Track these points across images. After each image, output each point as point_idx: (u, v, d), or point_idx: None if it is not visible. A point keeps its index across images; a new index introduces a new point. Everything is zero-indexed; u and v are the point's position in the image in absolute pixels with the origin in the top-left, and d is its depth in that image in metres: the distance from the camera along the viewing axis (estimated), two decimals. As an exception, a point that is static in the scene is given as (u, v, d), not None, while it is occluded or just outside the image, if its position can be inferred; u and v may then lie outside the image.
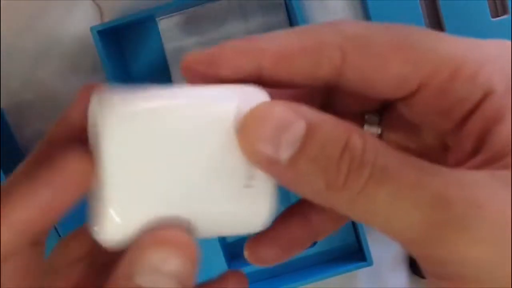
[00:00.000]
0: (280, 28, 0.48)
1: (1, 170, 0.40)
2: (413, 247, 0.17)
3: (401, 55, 0.18)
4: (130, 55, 0.49)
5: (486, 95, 0.17)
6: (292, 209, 0.24)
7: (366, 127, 0.23)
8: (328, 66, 0.19)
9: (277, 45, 0.19)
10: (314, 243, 0.49)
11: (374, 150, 0.17)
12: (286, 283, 0.46)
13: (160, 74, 0.48)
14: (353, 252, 0.49)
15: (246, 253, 0.22)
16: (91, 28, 0.42)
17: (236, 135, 0.18)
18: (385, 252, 0.51)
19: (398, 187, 0.16)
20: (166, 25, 0.48)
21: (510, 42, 0.19)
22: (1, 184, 0.18)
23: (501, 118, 0.17)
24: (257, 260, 0.22)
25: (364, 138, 0.17)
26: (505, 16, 0.46)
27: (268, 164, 0.17)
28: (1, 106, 0.49)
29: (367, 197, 0.16)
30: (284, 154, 0.17)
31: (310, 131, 0.17)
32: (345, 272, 0.46)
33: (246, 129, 0.17)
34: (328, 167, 0.16)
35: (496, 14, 0.46)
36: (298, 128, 0.17)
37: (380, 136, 0.23)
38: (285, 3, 0.47)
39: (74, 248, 0.21)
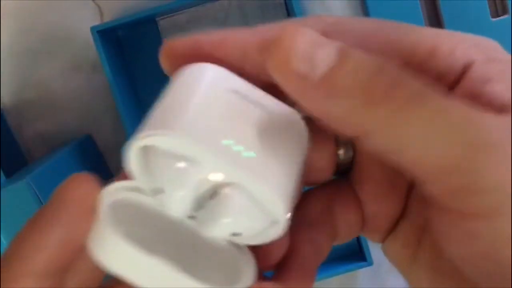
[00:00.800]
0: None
1: (1, 170, 0.40)
2: (445, 177, 0.16)
3: (381, 37, 0.18)
4: (130, 55, 0.49)
5: (467, 66, 0.17)
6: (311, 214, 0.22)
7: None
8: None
9: (258, 35, 0.19)
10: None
11: (410, 74, 0.16)
12: (286, 283, 0.46)
13: (160, 74, 0.48)
14: (353, 252, 0.49)
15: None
16: (91, 28, 0.42)
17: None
18: (385, 252, 0.51)
19: (436, 110, 0.15)
20: (166, 25, 0.48)
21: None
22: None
23: (489, 80, 0.17)
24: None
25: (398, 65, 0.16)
26: (505, 16, 0.46)
27: (300, 82, 0.16)
28: (1, 106, 0.49)
29: (404, 116, 0.16)
30: (319, 69, 0.16)
31: (344, 51, 0.16)
32: (345, 272, 0.46)
33: (278, 45, 0.17)
34: (366, 82, 0.16)
35: (496, 14, 0.46)
36: (332, 47, 0.16)
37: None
38: (285, 3, 0.47)
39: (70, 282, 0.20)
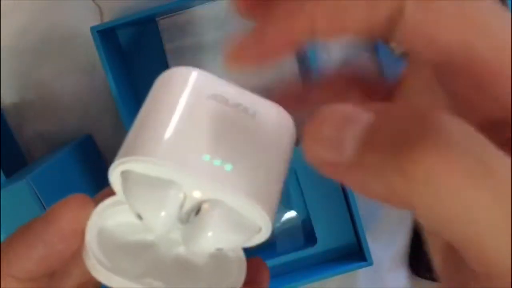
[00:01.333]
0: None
1: (1, 170, 0.40)
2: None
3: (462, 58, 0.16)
4: (130, 55, 0.49)
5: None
6: None
7: None
8: (385, 12, 0.16)
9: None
10: (314, 242, 0.49)
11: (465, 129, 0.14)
12: (286, 283, 0.46)
13: (160, 74, 0.48)
14: (353, 252, 0.49)
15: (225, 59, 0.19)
16: (91, 28, 0.42)
17: None
18: (385, 252, 0.51)
19: (482, 175, 0.13)
20: (166, 25, 0.48)
21: None
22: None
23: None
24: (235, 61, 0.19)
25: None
26: (505, 16, 0.46)
27: (333, 169, 0.15)
28: (1, 106, 0.49)
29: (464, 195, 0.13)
30: (347, 153, 0.15)
31: (374, 124, 0.15)
32: (345, 272, 0.46)
33: (309, 134, 0.15)
34: (401, 157, 0.14)
35: (496, 14, 0.46)
36: (361, 122, 0.15)
37: None
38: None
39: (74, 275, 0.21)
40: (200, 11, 0.47)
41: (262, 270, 0.21)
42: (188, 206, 0.18)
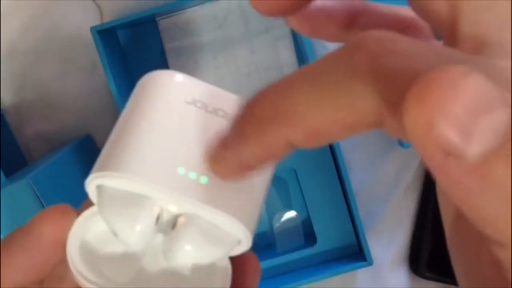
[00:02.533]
0: (280, 29, 0.48)
1: (1, 170, 0.40)
2: None
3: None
4: (130, 55, 0.49)
5: None
6: None
7: None
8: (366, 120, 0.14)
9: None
10: (314, 242, 0.49)
11: None
12: (286, 283, 0.46)
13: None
14: (353, 252, 0.49)
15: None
16: (91, 28, 0.42)
17: None
18: (385, 252, 0.51)
19: None
20: (166, 25, 0.48)
21: None
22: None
23: None
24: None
25: None
26: (505, 16, 0.46)
27: (444, 158, 0.11)
28: (1, 106, 0.49)
29: None
30: (475, 147, 0.11)
31: None
32: (345, 272, 0.46)
33: (426, 97, 0.11)
34: None
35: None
36: (502, 114, 0.11)
37: None
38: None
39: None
40: (200, 11, 0.47)
41: (250, 273, 0.20)
42: (165, 218, 0.18)
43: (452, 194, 0.12)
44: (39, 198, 0.36)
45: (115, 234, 0.18)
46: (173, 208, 0.18)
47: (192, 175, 0.17)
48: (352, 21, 0.19)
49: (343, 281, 0.51)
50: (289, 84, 0.14)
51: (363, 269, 0.47)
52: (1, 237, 0.36)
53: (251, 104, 0.15)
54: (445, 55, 0.13)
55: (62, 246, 0.19)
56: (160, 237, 0.19)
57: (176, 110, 0.18)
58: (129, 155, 0.17)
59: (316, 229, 0.49)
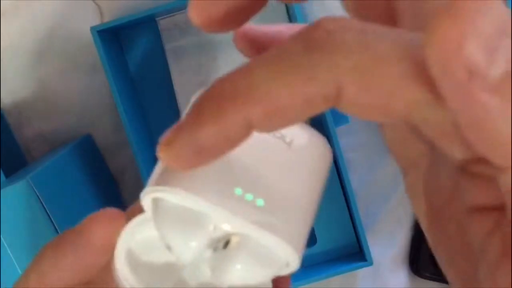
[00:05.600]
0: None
1: (1, 170, 0.40)
2: None
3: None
4: (130, 55, 0.49)
5: None
6: None
7: None
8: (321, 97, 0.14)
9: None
10: (314, 242, 0.49)
11: None
12: (286, 283, 0.46)
13: (160, 74, 0.48)
14: (353, 252, 0.49)
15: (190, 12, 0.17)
16: (91, 28, 0.42)
17: None
18: (385, 252, 0.51)
19: None
20: (166, 25, 0.48)
21: None
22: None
23: None
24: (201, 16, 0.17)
25: None
26: (505, 16, 0.46)
27: (465, 77, 0.11)
28: (1, 106, 0.49)
29: None
30: (499, 67, 0.11)
31: None
32: (345, 272, 0.46)
33: (458, 16, 0.11)
34: None
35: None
36: None
37: None
38: (285, 3, 0.47)
39: None
40: (200, 11, 0.47)
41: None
42: (217, 235, 0.18)
43: (466, 116, 0.12)
44: (39, 198, 0.36)
45: (168, 248, 0.18)
46: (226, 227, 0.18)
47: (249, 196, 0.17)
48: None
49: (343, 281, 0.51)
50: (250, 64, 0.14)
51: (363, 269, 0.47)
52: (1, 237, 0.36)
53: (211, 86, 0.14)
54: (396, 32, 0.13)
55: (110, 250, 0.19)
56: (208, 252, 0.19)
57: None
58: (190, 172, 0.17)
59: (316, 229, 0.49)
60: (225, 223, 0.18)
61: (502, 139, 0.11)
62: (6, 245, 0.36)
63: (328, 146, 0.19)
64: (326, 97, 0.13)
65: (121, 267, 0.19)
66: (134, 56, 0.49)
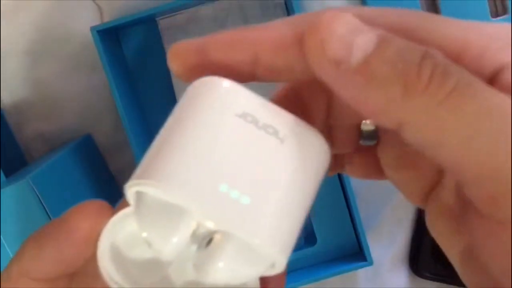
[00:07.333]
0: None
1: (1, 170, 0.40)
2: (486, 181, 0.14)
3: (408, 33, 0.17)
4: (130, 55, 0.49)
5: (497, 71, 0.16)
6: None
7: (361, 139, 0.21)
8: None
9: (273, 34, 0.18)
10: (314, 242, 0.49)
11: (456, 65, 0.15)
12: (286, 283, 0.46)
13: (160, 74, 0.48)
14: (353, 252, 0.49)
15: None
16: (91, 28, 0.42)
17: None
18: (385, 252, 0.51)
19: (487, 105, 0.14)
20: (166, 25, 0.48)
21: (510, 25, 0.17)
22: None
23: None
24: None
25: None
26: (505, 16, 0.46)
27: (335, 68, 0.16)
28: (1, 106, 0.49)
29: (450, 108, 0.14)
30: (356, 56, 0.15)
31: (384, 38, 0.16)
32: (345, 272, 0.46)
33: (315, 28, 0.16)
34: (407, 70, 0.15)
35: (496, 14, 0.46)
36: (372, 34, 0.16)
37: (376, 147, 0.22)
38: (285, 3, 0.47)
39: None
40: (200, 11, 0.47)
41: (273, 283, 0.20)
42: (201, 232, 0.18)
43: (344, 95, 0.16)
44: (39, 198, 0.36)
45: (149, 243, 0.18)
46: (210, 224, 0.17)
47: (234, 193, 0.16)
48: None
49: (343, 281, 0.51)
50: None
51: (363, 269, 0.47)
52: (1, 236, 0.36)
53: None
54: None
55: (94, 242, 0.18)
56: (193, 248, 0.18)
57: (225, 123, 0.17)
58: (174, 166, 0.16)
59: (316, 229, 0.49)
60: (208, 220, 0.17)
61: (374, 104, 0.16)
62: (6, 245, 0.36)
63: (326, 144, 0.18)
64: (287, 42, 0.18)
65: (104, 262, 0.18)
66: (134, 56, 0.49)
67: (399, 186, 0.21)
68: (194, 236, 0.18)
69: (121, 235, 0.19)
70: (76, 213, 0.19)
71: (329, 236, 0.49)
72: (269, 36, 0.18)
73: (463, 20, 0.17)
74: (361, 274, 0.51)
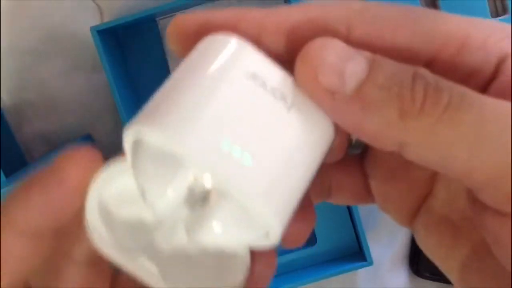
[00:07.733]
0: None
1: (1, 170, 0.40)
2: (498, 183, 0.15)
3: (409, 27, 0.17)
4: (130, 55, 0.49)
5: (501, 61, 0.16)
6: None
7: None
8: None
9: (279, 15, 0.18)
10: (314, 242, 0.49)
11: (446, 79, 0.15)
12: (286, 283, 0.46)
13: (160, 74, 0.48)
14: (353, 252, 0.49)
15: None
16: (91, 28, 0.42)
17: None
18: (385, 252, 0.51)
19: (481, 114, 0.14)
20: (166, 25, 0.48)
21: (510, 24, 0.18)
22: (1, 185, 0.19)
23: None
24: None
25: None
26: (505, 16, 0.46)
27: (330, 97, 0.16)
28: (1, 106, 0.49)
29: (448, 123, 0.15)
30: (349, 84, 0.16)
31: (373, 62, 0.16)
32: (345, 272, 0.46)
33: (305, 58, 0.16)
34: (401, 93, 0.15)
35: (496, 14, 0.46)
36: (362, 59, 0.16)
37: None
38: (285, 3, 0.47)
39: (77, 252, 0.20)
40: (200, 11, 0.47)
41: (263, 261, 0.19)
42: (197, 191, 0.17)
43: (342, 122, 0.16)
44: (39, 198, 0.36)
45: (143, 195, 0.17)
46: (207, 183, 0.17)
47: (236, 151, 0.15)
48: None
49: (343, 281, 0.50)
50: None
51: (363, 269, 0.47)
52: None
53: None
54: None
55: (83, 193, 0.17)
56: (184, 212, 0.17)
57: (234, 80, 0.16)
58: (177, 114, 0.16)
59: (316, 229, 0.49)
60: (205, 172, 0.16)
61: (370, 127, 0.16)
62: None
63: (331, 124, 0.18)
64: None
65: (92, 216, 0.17)
66: (134, 56, 0.49)
67: (387, 204, 0.21)
68: (189, 196, 0.17)
69: (111, 190, 0.18)
70: (67, 160, 0.18)
71: (329, 236, 0.49)
72: (274, 19, 0.18)
73: (463, 16, 0.18)
74: (361, 274, 0.51)
